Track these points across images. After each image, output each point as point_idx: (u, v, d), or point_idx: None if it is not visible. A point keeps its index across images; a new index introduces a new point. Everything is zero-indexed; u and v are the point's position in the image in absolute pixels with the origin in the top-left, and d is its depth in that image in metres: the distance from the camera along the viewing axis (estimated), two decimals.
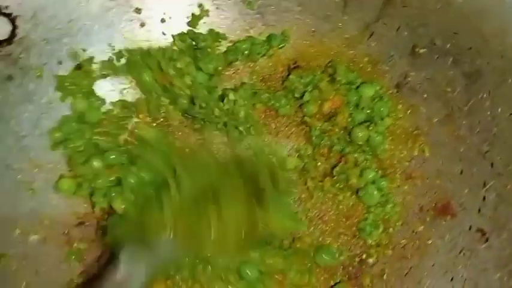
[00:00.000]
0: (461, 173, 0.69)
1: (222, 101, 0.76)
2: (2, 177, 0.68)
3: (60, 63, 0.73)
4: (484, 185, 0.67)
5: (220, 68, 0.78)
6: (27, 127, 0.70)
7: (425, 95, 0.74)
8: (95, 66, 0.75)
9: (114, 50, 0.76)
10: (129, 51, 0.76)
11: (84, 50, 0.74)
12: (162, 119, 0.77)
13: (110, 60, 0.76)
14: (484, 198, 0.66)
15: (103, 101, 0.75)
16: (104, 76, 0.76)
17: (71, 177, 0.71)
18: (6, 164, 0.68)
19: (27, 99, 0.70)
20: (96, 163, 0.70)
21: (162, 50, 0.77)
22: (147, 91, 0.76)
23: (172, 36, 0.77)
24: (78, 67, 0.74)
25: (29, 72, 0.70)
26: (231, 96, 0.76)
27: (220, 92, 0.77)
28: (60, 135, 0.72)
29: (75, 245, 0.70)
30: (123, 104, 0.76)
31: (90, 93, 0.75)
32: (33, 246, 0.68)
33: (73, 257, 0.70)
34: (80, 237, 0.71)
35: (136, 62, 0.75)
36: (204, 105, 0.76)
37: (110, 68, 0.76)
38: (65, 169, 0.72)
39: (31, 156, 0.71)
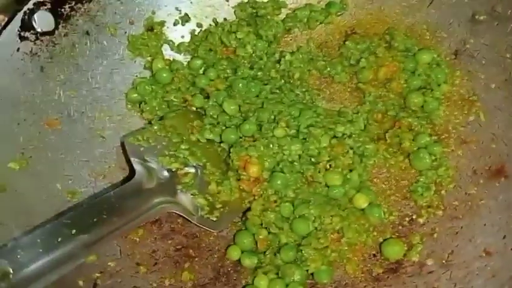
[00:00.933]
0: None
1: (279, 62, 0.79)
2: (77, 124, 0.74)
3: (131, 23, 0.78)
4: None
5: (279, 35, 0.82)
6: (101, 80, 0.76)
7: (483, 61, 0.74)
8: (167, 33, 0.80)
9: (180, 13, 0.81)
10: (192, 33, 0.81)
11: (153, 13, 0.79)
12: None
13: (176, 23, 0.81)
14: None
15: (176, 62, 0.80)
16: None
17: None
18: (81, 111, 0.74)
19: (101, 55, 0.76)
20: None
21: (221, 25, 0.81)
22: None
23: (233, 8, 0.81)
24: (151, 29, 0.79)
25: (104, 29, 0.76)
26: (288, 57, 0.79)
27: (277, 56, 0.80)
28: (136, 96, 0.78)
29: None
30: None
31: (159, 54, 0.80)
32: (100, 187, 0.73)
33: None
34: None
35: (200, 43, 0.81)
36: (262, 67, 0.79)
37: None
38: (131, 121, 0.78)
39: (103, 106, 0.76)
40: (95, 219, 0.61)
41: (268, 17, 0.81)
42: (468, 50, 0.75)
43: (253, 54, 0.80)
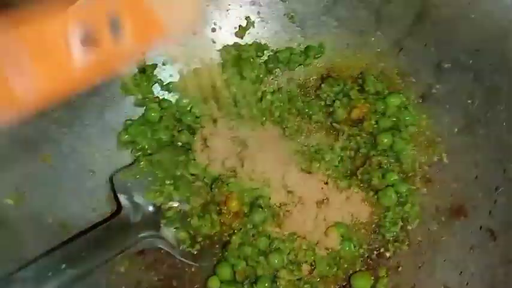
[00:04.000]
0: (476, 178, 0.74)
1: (261, 101, 0.85)
2: (68, 159, 0.78)
3: None
4: (496, 189, 0.72)
5: (261, 76, 0.87)
6: (92, 117, 0.81)
7: (447, 106, 0.79)
8: (156, 72, 0.85)
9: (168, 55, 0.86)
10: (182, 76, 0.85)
11: (143, 53, 0.84)
12: None
13: (165, 63, 0.86)
14: (495, 201, 0.71)
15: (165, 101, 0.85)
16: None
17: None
18: (73, 147, 0.79)
19: (93, 93, 0.80)
20: None
21: (209, 69, 0.85)
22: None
23: (218, 50, 0.87)
24: (142, 70, 0.84)
25: None
26: (269, 96, 0.84)
27: (259, 94, 0.86)
28: (127, 137, 0.82)
29: None
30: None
31: (150, 93, 0.85)
32: (90, 220, 0.77)
33: None
34: None
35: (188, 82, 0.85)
36: (244, 105, 0.85)
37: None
38: (121, 155, 0.82)
39: (94, 142, 0.81)
40: (83, 254, 0.65)
41: (251, 59, 0.87)
42: (434, 95, 0.81)
43: (237, 94, 0.85)
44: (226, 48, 0.87)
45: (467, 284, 0.69)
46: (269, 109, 0.85)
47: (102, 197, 0.79)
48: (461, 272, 0.70)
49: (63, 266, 0.63)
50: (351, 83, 0.85)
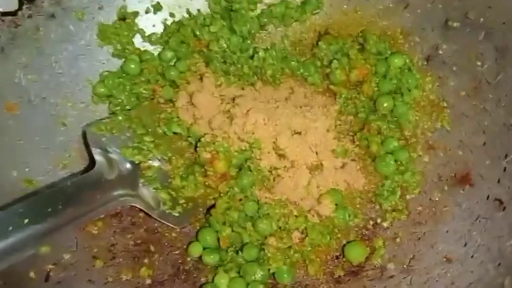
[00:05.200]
0: (484, 144, 0.69)
1: (252, 58, 0.78)
2: (38, 110, 0.71)
3: (100, 8, 0.76)
4: (506, 156, 0.67)
5: (253, 31, 0.80)
6: (64, 65, 0.73)
7: (454, 68, 0.74)
8: (138, 22, 0.78)
9: (152, 1, 0.79)
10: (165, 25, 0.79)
11: None
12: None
13: (147, 11, 0.79)
14: (504, 169, 0.66)
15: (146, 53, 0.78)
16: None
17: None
18: (42, 97, 0.71)
19: (67, 39, 0.73)
20: None
21: (194, 18, 0.79)
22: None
23: (207, 0, 0.80)
24: (123, 18, 0.77)
25: (71, 13, 0.73)
26: (261, 53, 0.78)
27: (251, 51, 0.79)
28: (104, 90, 0.75)
29: None
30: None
31: (130, 45, 0.78)
32: (59, 177, 0.71)
33: None
34: None
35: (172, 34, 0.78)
36: (235, 62, 0.78)
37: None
38: (96, 109, 0.75)
39: (66, 93, 0.73)
40: (49, 209, 0.59)
41: (243, 11, 0.80)
42: (440, 56, 0.76)
43: (227, 49, 0.79)
44: None
45: (472, 256, 0.65)
46: (261, 67, 0.78)
47: (74, 153, 0.73)
48: (465, 244, 0.66)
49: (26, 221, 0.55)
50: (350, 42, 0.79)
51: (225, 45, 0.78)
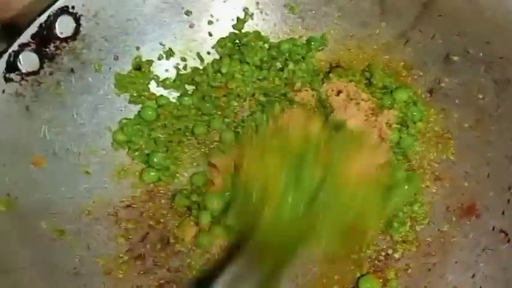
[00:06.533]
0: (488, 176, 0.72)
1: (282, 70, 0.81)
2: (63, 161, 0.75)
3: (116, 59, 0.79)
4: (509, 188, 0.69)
5: (265, 59, 0.82)
6: (85, 116, 0.77)
7: (457, 101, 0.76)
8: (152, 68, 0.81)
9: (164, 48, 0.82)
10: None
11: (137, 48, 0.81)
12: None
13: (160, 57, 0.82)
14: (508, 201, 0.69)
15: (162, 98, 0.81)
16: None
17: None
18: (66, 148, 0.75)
19: (86, 91, 0.77)
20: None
21: (204, 71, 0.82)
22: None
23: (213, 46, 0.83)
24: (138, 67, 0.81)
25: (89, 66, 0.77)
26: (291, 66, 0.81)
27: (280, 65, 0.82)
28: (123, 137, 0.79)
29: (122, 224, 0.77)
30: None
31: (146, 91, 0.82)
32: (85, 223, 0.75)
33: (120, 235, 0.77)
34: (126, 218, 0.77)
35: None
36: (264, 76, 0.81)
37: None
38: (116, 154, 0.79)
39: (88, 142, 0.77)
40: None
41: (252, 43, 0.82)
42: (442, 89, 0.78)
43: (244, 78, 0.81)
44: (220, 41, 0.83)
45: (480, 287, 0.67)
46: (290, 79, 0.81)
47: (97, 198, 0.77)
48: (473, 275, 0.68)
49: None
50: (358, 76, 0.81)
51: (240, 76, 0.81)
